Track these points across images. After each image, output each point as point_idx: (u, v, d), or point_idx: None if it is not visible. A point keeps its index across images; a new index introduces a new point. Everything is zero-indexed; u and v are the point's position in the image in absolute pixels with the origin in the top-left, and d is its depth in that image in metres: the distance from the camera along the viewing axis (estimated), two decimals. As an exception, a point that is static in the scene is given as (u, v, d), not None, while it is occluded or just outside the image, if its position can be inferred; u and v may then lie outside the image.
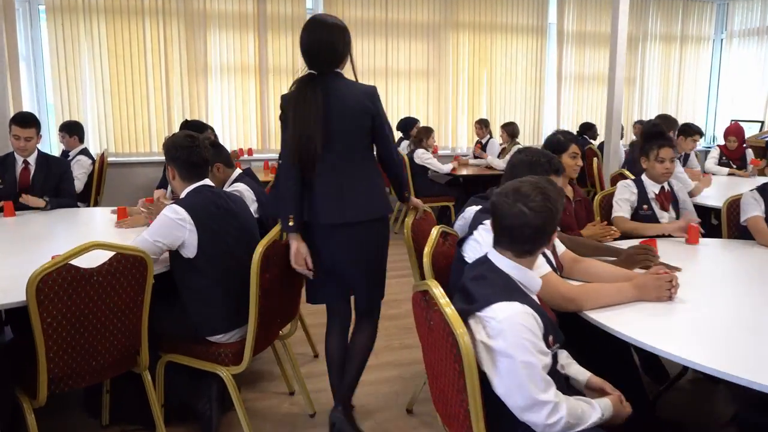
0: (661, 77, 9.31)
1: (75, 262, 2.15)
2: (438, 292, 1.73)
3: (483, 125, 7.65)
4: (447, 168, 6.77)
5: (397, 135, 7.58)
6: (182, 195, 2.68)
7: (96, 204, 5.66)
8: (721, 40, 9.49)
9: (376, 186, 2.55)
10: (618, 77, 6.07)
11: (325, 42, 2.49)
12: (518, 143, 7.25)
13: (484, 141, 7.70)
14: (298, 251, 2.51)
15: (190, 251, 2.52)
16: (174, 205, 2.55)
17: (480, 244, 2.14)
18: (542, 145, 3.15)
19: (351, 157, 2.49)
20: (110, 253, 2.27)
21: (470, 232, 2.23)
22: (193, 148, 2.65)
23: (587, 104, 8.94)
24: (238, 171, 3.44)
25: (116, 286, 2.29)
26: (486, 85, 8.37)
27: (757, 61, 9.01)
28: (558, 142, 3.12)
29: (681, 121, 9.56)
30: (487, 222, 2.02)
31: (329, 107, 2.43)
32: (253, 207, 3.26)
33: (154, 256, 2.48)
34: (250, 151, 7.33)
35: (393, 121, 7.88)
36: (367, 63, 7.68)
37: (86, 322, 2.23)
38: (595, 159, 6.33)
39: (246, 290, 2.51)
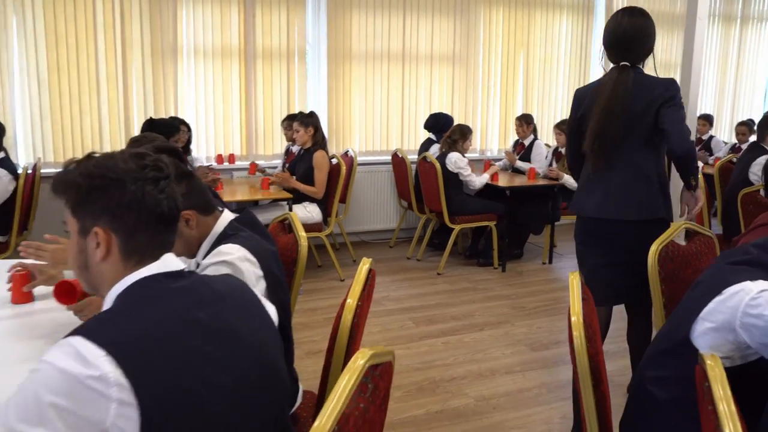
0: (719, 63, 7.88)
1: None
2: None
3: (526, 122, 6.13)
4: (482, 180, 5.28)
5: (425, 135, 6.03)
6: (108, 301, 1.18)
7: (23, 231, 4.15)
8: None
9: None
10: (695, 65, 4.58)
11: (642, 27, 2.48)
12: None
13: (527, 143, 6.18)
14: None
15: None
16: (81, 340, 1.01)
17: None
18: None
19: None
20: None
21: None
22: (149, 185, 1.19)
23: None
24: (225, 217, 1.88)
25: None
26: (522, 72, 6.85)
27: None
28: None
29: (738, 116, 8.22)
30: None
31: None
32: (260, 288, 1.73)
33: None
34: (231, 158, 5.74)
35: (414, 118, 6.34)
36: (380, 46, 6.13)
37: None
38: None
39: None
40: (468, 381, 3.35)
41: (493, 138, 6.84)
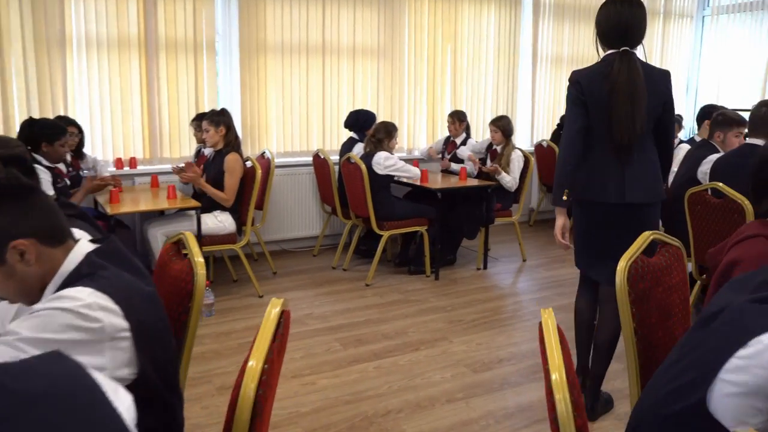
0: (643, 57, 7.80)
1: None
2: None
3: (459, 119, 5.81)
4: (416, 172, 4.97)
5: (346, 135, 5.59)
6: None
7: None
8: (703, 17, 8.11)
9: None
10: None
11: (640, 16, 2.61)
12: (515, 147, 5.45)
13: (459, 141, 5.85)
14: (564, 226, 2.70)
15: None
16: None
17: None
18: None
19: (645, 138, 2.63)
20: None
21: None
22: None
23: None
24: (80, 249, 1.38)
25: None
26: (450, 67, 6.52)
27: (748, 42, 7.65)
28: None
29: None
30: None
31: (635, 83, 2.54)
32: (122, 346, 1.25)
33: None
34: (133, 162, 5.12)
35: (337, 115, 5.90)
36: (297, 37, 5.64)
37: None
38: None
39: None
40: (405, 414, 2.93)
41: (420, 136, 6.47)
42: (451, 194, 5.07)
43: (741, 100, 7.24)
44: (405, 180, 5.00)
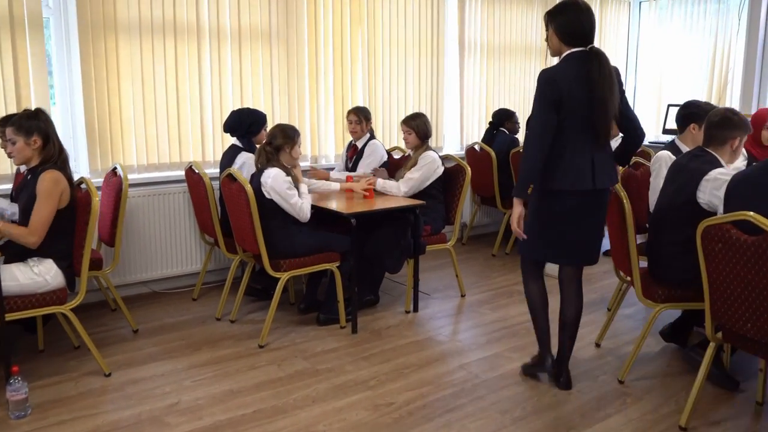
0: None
1: None
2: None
3: (364, 117, 4.66)
4: (306, 205, 3.79)
5: (229, 141, 4.29)
6: None
7: None
8: (639, 3, 7.32)
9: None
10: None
11: (592, 20, 2.77)
12: (432, 149, 4.33)
13: (360, 144, 4.70)
14: (521, 215, 2.83)
15: None
16: None
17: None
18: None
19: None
20: None
21: None
22: None
23: (505, 84, 6.28)
24: None
25: None
26: (362, 57, 5.32)
27: (690, 30, 6.89)
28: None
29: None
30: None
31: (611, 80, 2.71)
32: None
33: None
34: None
35: (219, 116, 4.59)
36: (161, 14, 4.27)
37: None
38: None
39: None
40: None
41: (327, 140, 5.25)
42: (367, 218, 3.87)
43: (686, 94, 6.45)
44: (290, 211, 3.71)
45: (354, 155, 4.74)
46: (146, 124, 4.32)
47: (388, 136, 5.49)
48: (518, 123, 5.75)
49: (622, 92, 2.80)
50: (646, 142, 4.43)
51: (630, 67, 7.36)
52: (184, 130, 4.47)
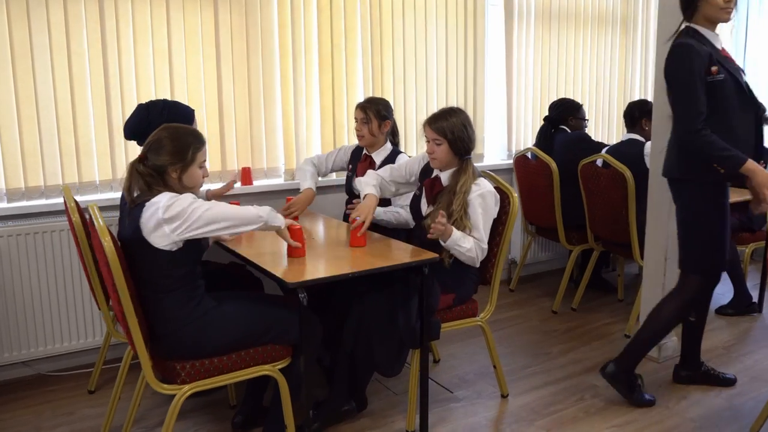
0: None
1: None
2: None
3: (376, 115, 3.14)
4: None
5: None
6: None
7: None
8: None
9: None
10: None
11: None
12: (478, 172, 2.64)
13: (379, 158, 3.13)
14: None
15: None
16: None
17: None
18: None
19: None
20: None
21: None
22: None
23: (569, 64, 4.57)
24: None
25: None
26: (361, 23, 3.71)
27: None
28: None
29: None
30: None
31: None
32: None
33: None
34: None
35: (119, 112, 3.05)
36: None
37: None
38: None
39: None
40: None
41: (310, 148, 3.66)
42: (351, 282, 2.26)
43: None
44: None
45: (366, 169, 3.05)
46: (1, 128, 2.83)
47: (402, 142, 3.82)
48: (586, 119, 4.06)
49: None
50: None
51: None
52: (66, 136, 2.95)
